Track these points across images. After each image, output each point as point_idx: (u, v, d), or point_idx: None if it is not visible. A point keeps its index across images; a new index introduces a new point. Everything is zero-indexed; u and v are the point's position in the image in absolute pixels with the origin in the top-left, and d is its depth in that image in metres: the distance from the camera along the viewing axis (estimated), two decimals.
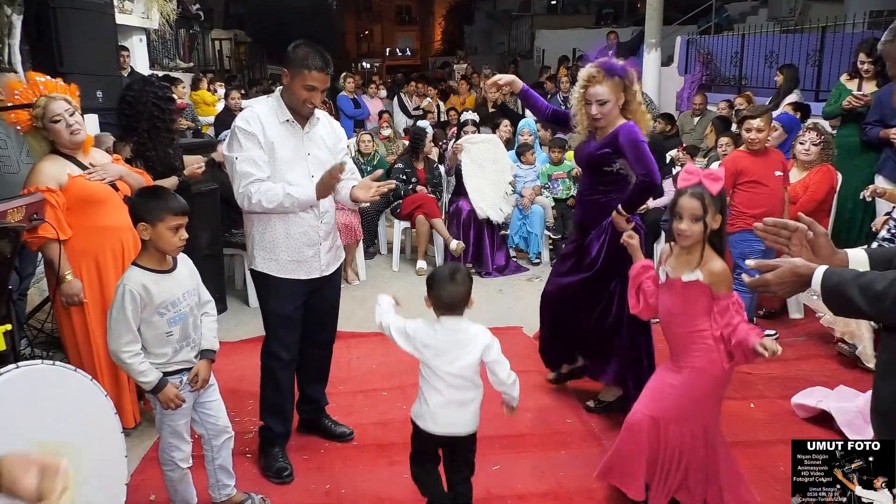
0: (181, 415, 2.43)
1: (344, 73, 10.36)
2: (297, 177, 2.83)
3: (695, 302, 2.41)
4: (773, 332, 4.42)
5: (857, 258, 1.76)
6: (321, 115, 2.99)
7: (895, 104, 4.29)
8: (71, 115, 2.94)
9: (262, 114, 2.83)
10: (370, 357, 4.16)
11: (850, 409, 3.23)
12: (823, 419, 3.30)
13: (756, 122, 4.06)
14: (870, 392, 3.26)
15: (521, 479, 2.93)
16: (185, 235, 2.37)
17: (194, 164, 3.91)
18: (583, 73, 3.22)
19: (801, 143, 4.66)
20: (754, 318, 4.41)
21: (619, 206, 3.18)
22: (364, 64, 35.96)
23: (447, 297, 2.30)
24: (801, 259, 1.68)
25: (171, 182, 3.61)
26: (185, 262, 2.49)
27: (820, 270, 1.61)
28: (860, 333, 3.85)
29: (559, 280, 3.50)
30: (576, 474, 2.94)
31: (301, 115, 2.87)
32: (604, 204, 3.27)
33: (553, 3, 22.06)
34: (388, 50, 43.33)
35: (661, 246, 4.61)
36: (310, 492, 2.88)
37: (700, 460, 2.53)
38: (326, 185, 2.79)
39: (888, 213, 3.93)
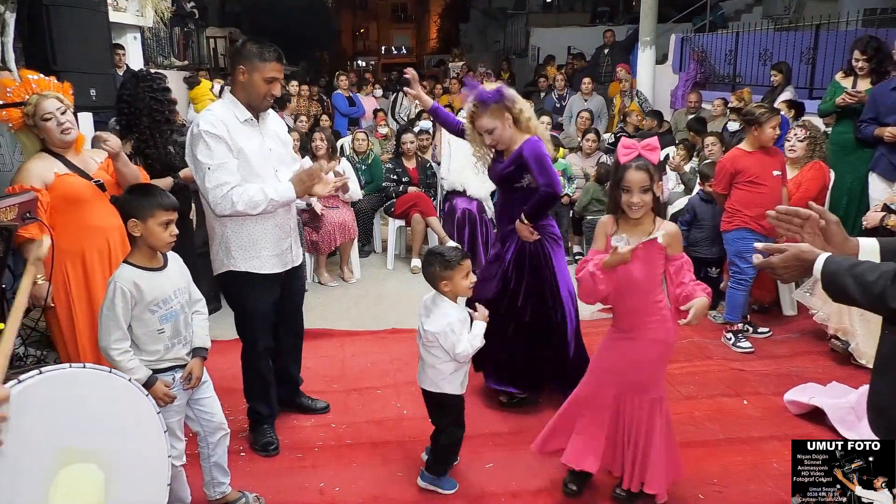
0: (173, 413, 2.43)
1: (338, 72, 10.36)
2: (264, 175, 2.92)
3: (654, 264, 2.54)
4: (766, 329, 4.44)
5: (869, 247, 1.79)
6: (268, 111, 3.09)
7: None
8: (62, 113, 2.91)
9: (223, 115, 2.86)
10: (364, 355, 4.16)
11: (843, 405, 3.25)
12: (816, 415, 3.32)
13: (777, 119, 4.09)
14: (862, 388, 3.30)
15: (515, 477, 2.94)
16: (176, 231, 2.38)
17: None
18: (466, 110, 3.39)
19: (787, 141, 4.69)
20: (747, 315, 4.43)
21: (522, 216, 3.30)
22: (360, 62, 35.89)
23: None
24: (808, 245, 1.73)
25: (165, 183, 3.61)
26: (175, 260, 2.49)
27: (822, 258, 1.66)
28: (853, 330, 3.87)
29: (483, 286, 3.49)
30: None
31: (258, 111, 2.95)
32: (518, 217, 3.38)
33: (548, 1, 22.05)
34: (383, 48, 43.25)
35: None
36: (304, 490, 2.89)
37: (645, 430, 2.63)
38: (306, 185, 2.91)
39: (886, 207, 3.92)
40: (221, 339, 4.29)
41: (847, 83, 5.10)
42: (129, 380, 2.12)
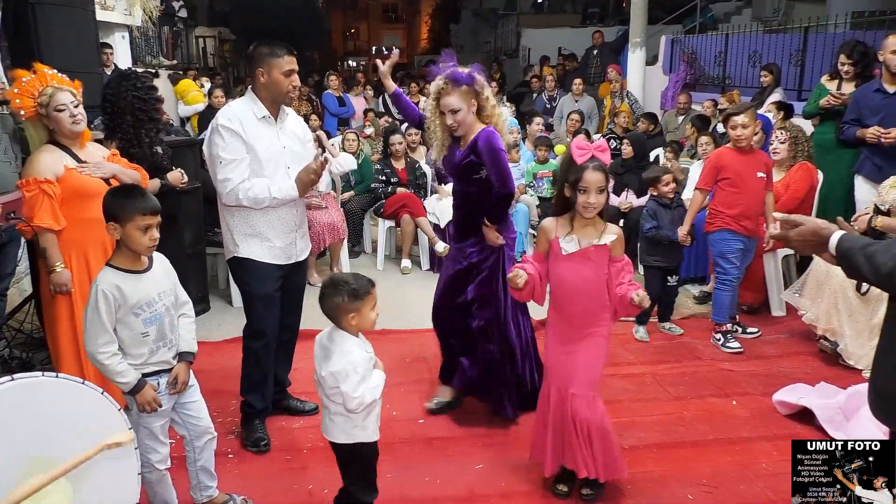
0: (157, 417, 2.40)
1: (328, 72, 10.33)
2: (275, 171, 3.04)
3: (603, 265, 2.61)
4: (755, 329, 4.46)
5: None
6: (289, 111, 3.23)
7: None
8: (75, 106, 3.06)
9: (240, 112, 3.04)
10: None
11: (832, 405, 3.26)
12: (805, 416, 3.33)
13: (740, 119, 4.08)
14: (851, 389, 3.32)
15: (504, 478, 2.93)
16: (157, 236, 2.34)
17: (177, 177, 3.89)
18: (433, 86, 3.31)
19: (770, 143, 4.71)
20: (736, 315, 4.44)
21: (486, 221, 3.23)
22: (350, 62, 35.83)
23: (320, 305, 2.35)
24: (825, 221, 1.79)
25: (152, 186, 3.58)
26: (160, 262, 2.45)
27: (836, 235, 1.72)
28: (842, 331, 3.89)
29: (443, 285, 3.48)
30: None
31: (281, 105, 3.10)
32: (480, 209, 3.28)
33: (539, 1, 22.10)
34: (374, 48, 43.21)
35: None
36: (293, 492, 2.87)
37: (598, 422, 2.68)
38: (305, 183, 3.03)
39: (876, 208, 3.93)
40: (210, 341, 4.28)
41: (832, 86, 5.14)
42: (102, 393, 2.09)
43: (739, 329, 4.40)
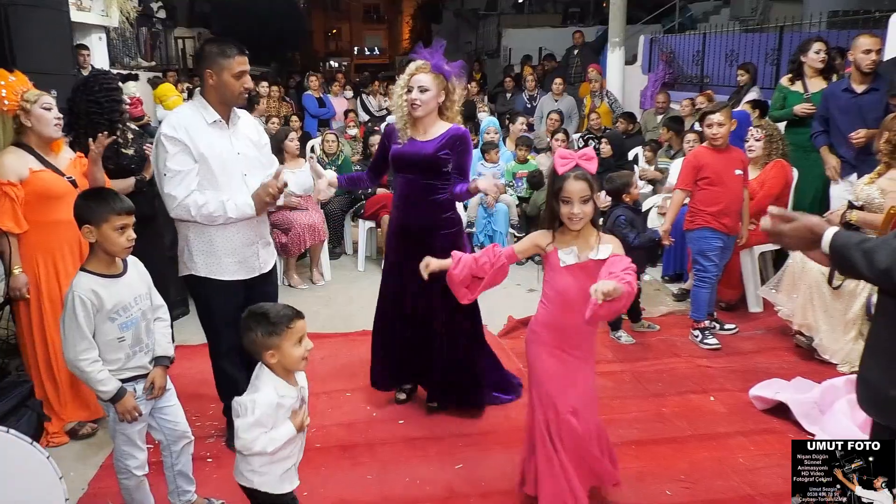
0: (134, 422, 2.37)
1: (308, 72, 10.29)
2: (230, 180, 2.88)
3: (596, 278, 2.44)
4: (732, 325, 4.50)
5: None
6: (242, 113, 3.06)
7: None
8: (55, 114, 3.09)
9: (187, 119, 2.86)
10: (333, 358, 4.13)
11: (807, 400, 3.30)
12: (781, 410, 3.37)
13: (716, 117, 4.13)
14: (826, 383, 3.37)
15: (483, 478, 2.94)
16: (133, 236, 2.32)
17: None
18: (411, 66, 3.25)
19: (746, 141, 4.77)
20: (714, 312, 4.48)
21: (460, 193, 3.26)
22: (332, 63, 35.71)
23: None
24: (818, 218, 1.78)
25: (126, 184, 3.55)
26: (135, 266, 2.43)
27: (830, 231, 1.71)
28: (817, 326, 3.94)
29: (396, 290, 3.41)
30: None
31: (226, 111, 2.92)
32: (440, 203, 3.29)
33: (520, 2, 22.16)
34: (356, 48, 43.09)
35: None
36: None
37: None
38: (263, 203, 2.88)
39: (849, 205, 3.98)
40: (188, 344, 4.24)
41: (796, 87, 5.21)
42: (8, 431, 2.04)
43: (717, 326, 4.45)
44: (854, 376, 3.37)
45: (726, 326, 4.48)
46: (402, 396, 3.59)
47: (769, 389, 3.48)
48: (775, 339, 4.37)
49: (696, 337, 4.31)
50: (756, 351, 4.21)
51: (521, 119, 7.37)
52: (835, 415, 3.15)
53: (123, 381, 2.33)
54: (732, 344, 4.30)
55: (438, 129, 3.23)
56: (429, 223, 3.29)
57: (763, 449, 3.13)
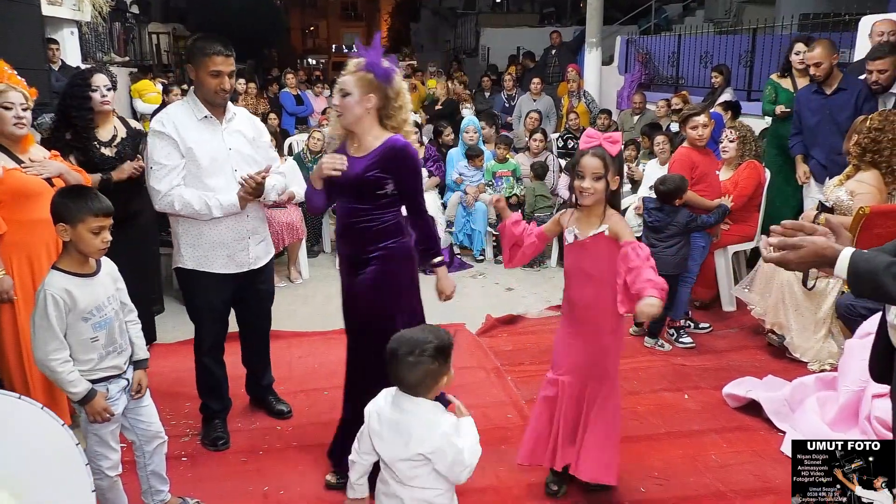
0: (107, 423, 2.34)
1: (286, 70, 10.22)
2: (219, 175, 2.92)
3: (607, 257, 2.55)
4: (706, 324, 4.56)
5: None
6: (239, 111, 3.10)
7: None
8: (24, 109, 2.99)
9: (176, 114, 2.91)
10: (311, 357, 4.12)
11: (778, 398, 3.36)
12: (753, 408, 3.42)
13: (701, 119, 4.19)
14: (796, 381, 3.42)
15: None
16: (108, 238, 2.27)
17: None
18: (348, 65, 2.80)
19: (720, 142, 4.84)
20: (689, 311, 4.54)
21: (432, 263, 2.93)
22: (310, 60, 35.47)
23: (395, 376, 1.91)
24: (823, 239, 1.68)
25: (92, 178, 3.50)
26: (106, 264, 2.39)
27: (846, 254, 1.60)
28: (788, 325, 4.00)
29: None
30: (516, 469, 2.94)
31: (217, 108, 2.95)
32: (382, 230, 2.71)
33: (498, 1, 22.23)
34: (334, 46, 42.87)
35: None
36: (248, 494, 2.84)
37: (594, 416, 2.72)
38: (245, 200, 2.92)
39: (819, 206, 4.05)
40: (163, 343, 4.21)
41: (786, 83, 5.31)
42: (41, 407, 2.02)
43: (692, 324, 4.50)
44: (824, 374, 3.45)
45: (701, 325, 4.53)
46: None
47: (741, 387, 3.53)
48: (748, 337, 4.44)
49: (672, 336, 4.35)
50: (730, 349, 4.27)
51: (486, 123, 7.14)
52: (805, 412, 3.21)
53: (95, 381, 2.29)
54: (707, 342, 4.36)
55: (374, 142, 2.69)
56: (363, 255, 2.74)
57: (735, 446, 3.17)
